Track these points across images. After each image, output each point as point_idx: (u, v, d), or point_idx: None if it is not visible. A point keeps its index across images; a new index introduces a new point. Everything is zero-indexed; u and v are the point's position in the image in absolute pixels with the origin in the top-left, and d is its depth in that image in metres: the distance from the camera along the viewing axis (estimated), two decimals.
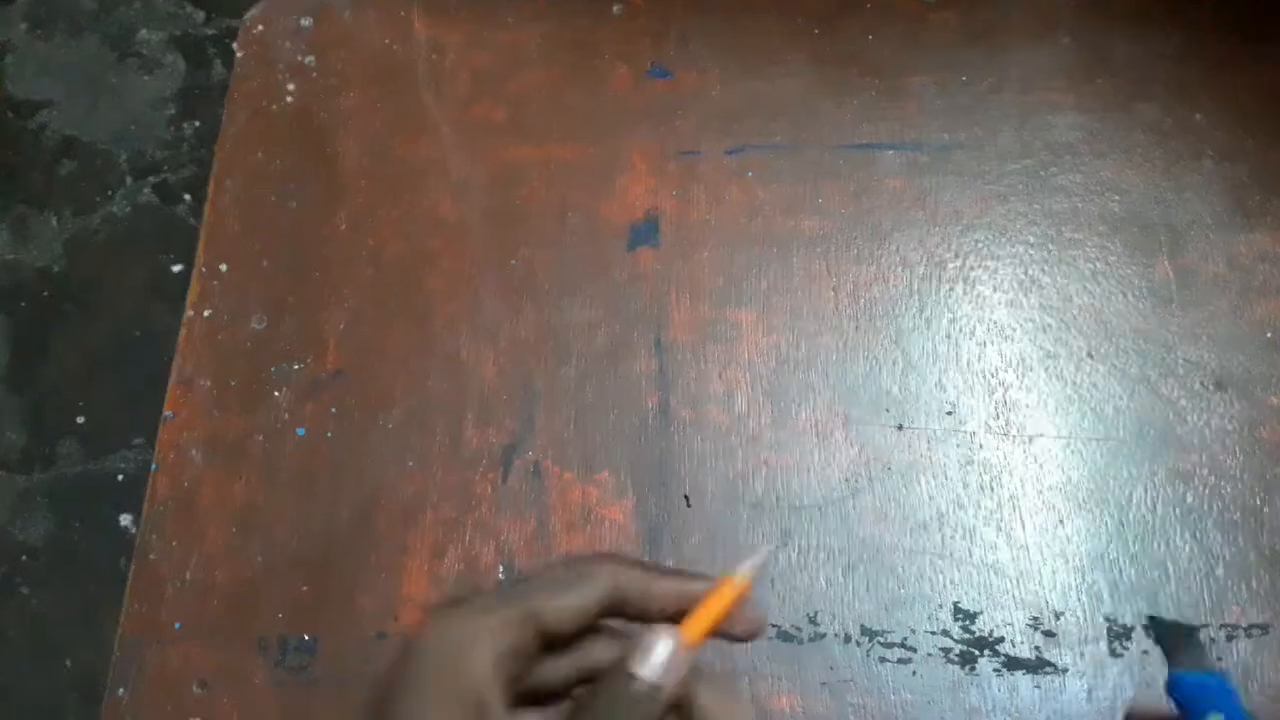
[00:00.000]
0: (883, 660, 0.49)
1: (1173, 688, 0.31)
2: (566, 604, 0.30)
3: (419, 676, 0.29)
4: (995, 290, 0.56)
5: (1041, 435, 0.53)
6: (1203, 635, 0.29)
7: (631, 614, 0.31)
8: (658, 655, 0.29)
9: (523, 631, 0.29)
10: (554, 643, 0.30)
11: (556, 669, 0.31)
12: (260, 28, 0.66)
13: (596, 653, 0.31)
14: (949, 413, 0.54)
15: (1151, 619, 0.30)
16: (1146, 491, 0.52)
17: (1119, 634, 0.49)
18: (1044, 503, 0.52)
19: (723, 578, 0.32)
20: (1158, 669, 0.48)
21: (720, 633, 0.31)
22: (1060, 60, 0.61)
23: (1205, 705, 0.29)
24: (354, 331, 0.57)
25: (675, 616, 0.30)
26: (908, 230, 0.58)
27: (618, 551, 0.35)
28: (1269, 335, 0.54)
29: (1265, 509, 0.51)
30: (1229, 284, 0.55)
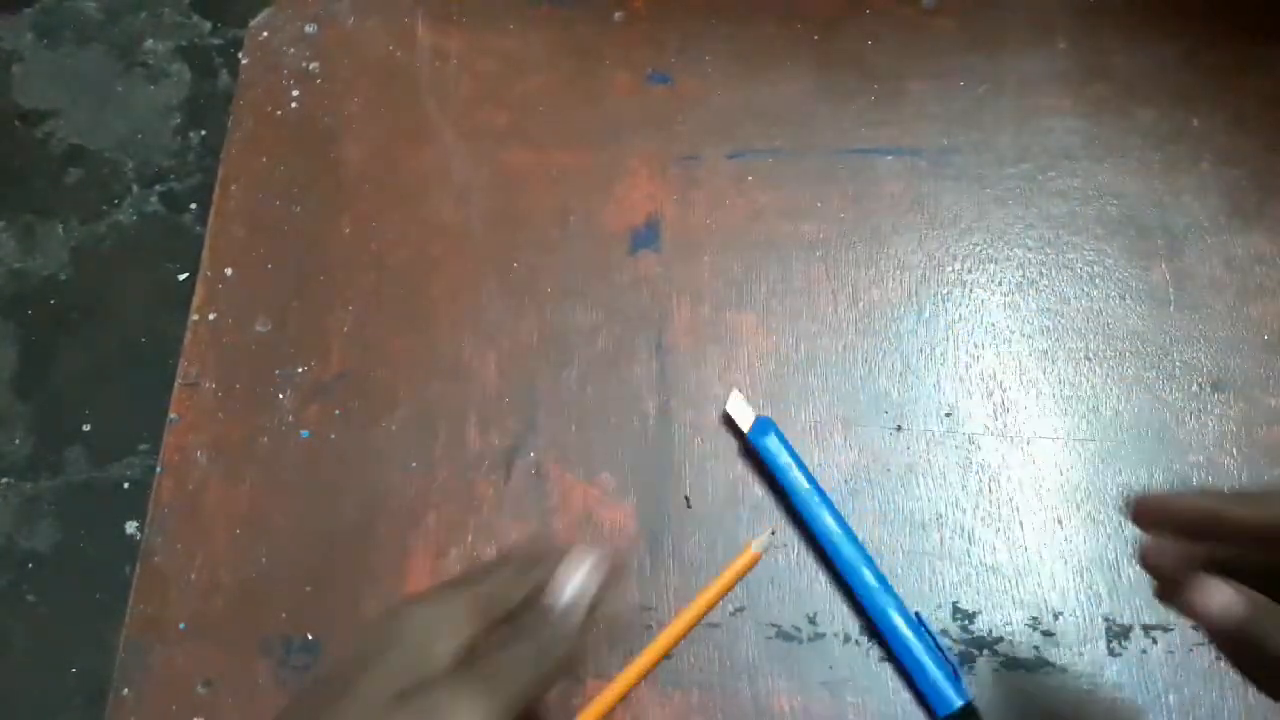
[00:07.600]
0: (882, 660, 0.50)
1: None
2: (519, 592, 0.34)
3: (382, 664, 0.31)
4: (993, 293, 0.57)
5: (1039, 437, 0.53)
6: None
7: None
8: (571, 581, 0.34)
9: (481, 621, 0.32)
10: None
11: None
12: (265, 34, 0.67)
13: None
14: (947, 414, 0.54)
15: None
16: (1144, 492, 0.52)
17: (1118, 633, 0.49)
18: (1042, 504, 0.52)
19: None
20: (1155, 667, 0.48)
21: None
22: (1057, 65, 0.62)
23: None
24: (357, 335, 0.58)
25: None
26: (906, 234, 0.58)
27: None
28: (1266, 337, 0.54)
29: None
30: (1226, 286, 0.56)
